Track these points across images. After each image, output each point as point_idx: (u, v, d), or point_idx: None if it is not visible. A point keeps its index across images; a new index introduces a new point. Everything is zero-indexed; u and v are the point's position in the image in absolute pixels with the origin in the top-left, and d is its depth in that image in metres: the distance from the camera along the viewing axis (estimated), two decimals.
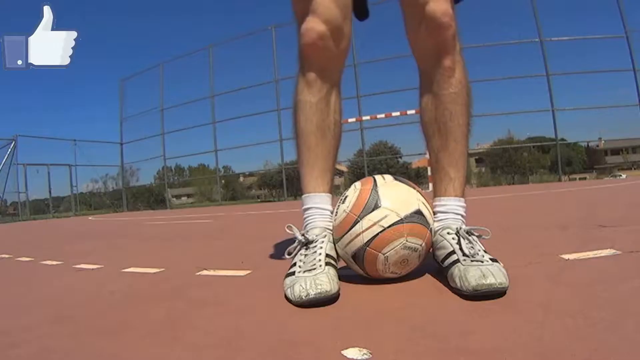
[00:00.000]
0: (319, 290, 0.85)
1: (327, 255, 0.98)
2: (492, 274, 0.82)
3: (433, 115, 1.09)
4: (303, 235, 1.03)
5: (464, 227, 0.98)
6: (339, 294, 0.90)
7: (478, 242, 0.95)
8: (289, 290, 0.91)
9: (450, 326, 0.68)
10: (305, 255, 0.99)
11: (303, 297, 0.86)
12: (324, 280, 0.88)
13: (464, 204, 1.07)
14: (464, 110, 1.08)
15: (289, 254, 1.03)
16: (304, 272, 0.93)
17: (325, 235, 1.03)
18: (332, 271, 0.94)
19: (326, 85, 1.13)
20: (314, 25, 1.05)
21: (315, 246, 1.00)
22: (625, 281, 0.86)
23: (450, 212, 1.04)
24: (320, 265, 0.94)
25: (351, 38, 1.13)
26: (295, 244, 1.03)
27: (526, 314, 0.71)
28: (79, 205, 18.37)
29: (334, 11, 1.05)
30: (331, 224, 1.08)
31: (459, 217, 1.04)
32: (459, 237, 0.96)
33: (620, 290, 0.80)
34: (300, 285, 0.88)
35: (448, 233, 0.98)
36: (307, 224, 1.10)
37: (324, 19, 1.05)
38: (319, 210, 1.10)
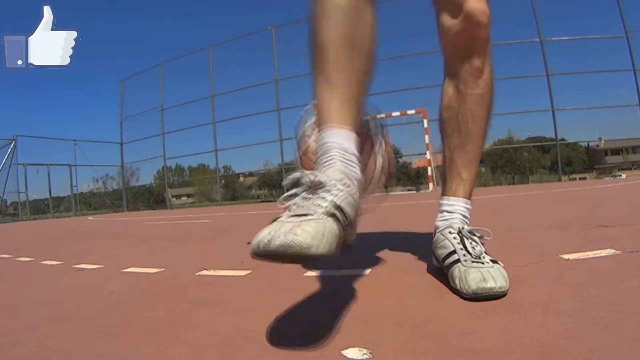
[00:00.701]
0: (289, 241, 0.57)
1: (337, 207, 0.67)
2: (493, 277, 0.82)
3: (455, 114, 1.08)
4: (313, 174, 0.72)
5: (466, 227, 0.99)
6: (327, 256, 0.61)
7: (479, 243, 0.95)
8: (255, 236, 0.62)
9: (450, 326, 0.68)
10: (306, 198, 0.69)
11: (261, 246, 0.59)
12: (307, 230, 0.59)
13: (469, 206, 1.07)
14: (486, 113, 1.07)
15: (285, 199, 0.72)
16: (291, 216, 0.64)
17: (348, 186, 0.72)
18: (331, 224, 0.64)
19: None
20: None
21: (327, 190, 0.69)
22: (625, 281, 0.86)
23: (456, 213, 1.04)
24: (317, 212, 0.64)
25: None
26: (298, 187, 0.72)
27: (526, 314, 0.71)
28: (79, 205, 18.37)
29: None
30: (357, 173, 0.78)
31: (464, 218, 1.05)
32: (461, 237, 0.96)
33: (620, 290, 0.80)
34: (271, 229, 0.60)
35: (450, 232, 0.99)
36: (324, 162, 0.78)
37: None
38: (339, 152, 0.78)
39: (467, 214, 1.05)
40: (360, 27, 0.85)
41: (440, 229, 1.02)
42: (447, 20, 1.03)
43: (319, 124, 0.84)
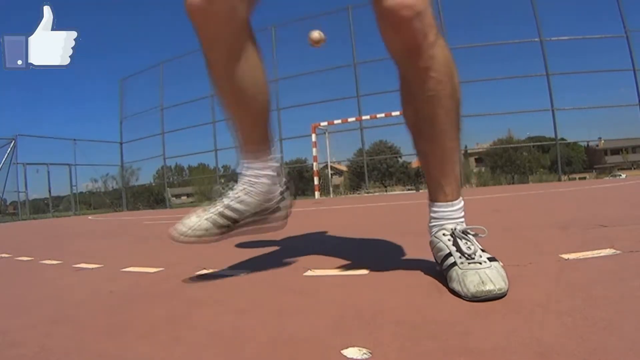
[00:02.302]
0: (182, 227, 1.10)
1: (227, 206, 1.12)
2: (491, 280, 0.81)
3: (414, 121, 1.02)
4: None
5: (458, 227, 0.97)
6: (188, 239, 1.13)
7: (475, 241, 0.94)
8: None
9: (450, 326, 0.68)
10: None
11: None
12: (193, 220, 1.11)
13: (458, 207, 1.02)
14: (448, 113, 0.96)
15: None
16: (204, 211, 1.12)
17: (243, 189, 1.13)
18: (211, 218, 1.11)
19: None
20: None
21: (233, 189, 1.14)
22: (625, 281, 0.86)
23: (442, 219, 1.01)
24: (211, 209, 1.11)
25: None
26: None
27: (526, 314, 0.71)
28: (79, 204, 18.39)
29: None
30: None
31: (454, 220, 1.01)
32: (454, 238, 0.94)
33: (620, 290, 0.80)
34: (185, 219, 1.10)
35: (444, 234, 0.97)
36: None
37: None
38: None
39: (455, 215, 1.01)
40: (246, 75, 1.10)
41: (433, 232, 1.01)
42: (377, 20, 0.93)
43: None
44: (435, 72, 0.92)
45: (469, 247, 0.91)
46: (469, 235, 0.94)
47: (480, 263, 0.87)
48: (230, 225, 1.13)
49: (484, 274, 0.83)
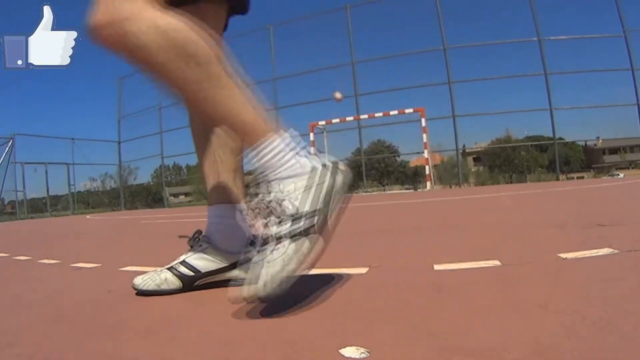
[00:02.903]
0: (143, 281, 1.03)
1: (183, 262, 1.06)
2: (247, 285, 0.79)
3: (185, 100, 0.91)
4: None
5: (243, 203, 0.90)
6: (145, 293, 1.03)
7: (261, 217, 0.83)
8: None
9: (448, 325, 0.68)
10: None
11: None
12: (146, 276, 1.04)
13: (270, 146, 0.84)
14: (191, 71, 0.81)
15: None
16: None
17: (200, 245, 1.09)
18: (163, 275, 1.04)
19: None
20: None
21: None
22: (623, 280, 0.86)
23: (261, 169, 0.84)
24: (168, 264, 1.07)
25: None
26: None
27: (524, 313, 0.71)
28: (77, 204, 18.36)
29: None
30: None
31: (268, 164, 0.83)
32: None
33: (618, 289, 0.80)
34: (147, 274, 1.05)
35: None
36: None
37: None
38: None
39: (269, 154, 0.83)
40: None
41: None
42: None
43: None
44: (157, 49, 0.79)
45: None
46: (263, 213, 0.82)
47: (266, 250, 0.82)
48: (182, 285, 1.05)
49: (251, 277, 0.80)
